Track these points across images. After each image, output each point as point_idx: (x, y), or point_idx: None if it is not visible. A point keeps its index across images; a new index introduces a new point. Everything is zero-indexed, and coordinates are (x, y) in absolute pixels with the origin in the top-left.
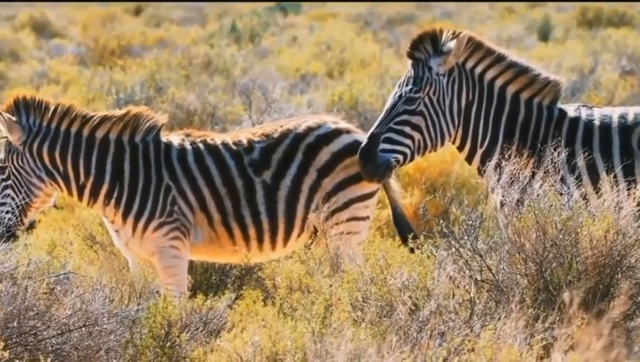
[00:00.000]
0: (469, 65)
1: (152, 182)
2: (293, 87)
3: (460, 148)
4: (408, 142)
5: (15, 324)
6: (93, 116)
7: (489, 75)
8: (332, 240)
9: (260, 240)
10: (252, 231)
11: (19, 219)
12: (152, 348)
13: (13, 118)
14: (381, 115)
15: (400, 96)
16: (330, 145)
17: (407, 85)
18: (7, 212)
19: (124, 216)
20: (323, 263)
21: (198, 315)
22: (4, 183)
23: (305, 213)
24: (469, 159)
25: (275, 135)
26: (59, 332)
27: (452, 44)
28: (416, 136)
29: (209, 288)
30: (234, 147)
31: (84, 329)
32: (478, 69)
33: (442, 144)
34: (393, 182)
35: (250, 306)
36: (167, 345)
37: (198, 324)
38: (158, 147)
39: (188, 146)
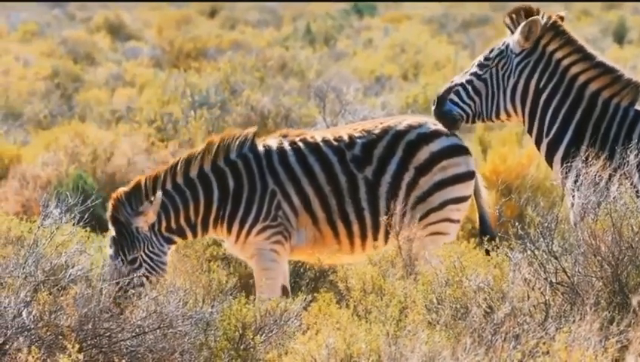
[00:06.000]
0: (558, 55)
1: (256, 190)
2: (367, 89)
3: (529, 132)
4: (470, 102)
5: (90, 326)
6: (177, 164)
7: (574, 69)
8: (422, 240)
9: (364, 236)
10: (356, 228)
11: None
12: (226, 351)
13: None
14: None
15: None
16: (430, 145)
17: (490, 51)
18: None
19: (229, 227)
20: (396, 265)
21: (273, 317)
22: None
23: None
24: (537, 145)
25: (376, 131)
26: (133, 334)
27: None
28: (477, 100)
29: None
30: (335, 143)
31: (158, 331)
32: (565, 62)
33: (497, 117)
34: (483, 190)
35: (324, 308)
36: (242, 347)
37: (272, 326)
38: (258, 155)
39: (287, 147)
